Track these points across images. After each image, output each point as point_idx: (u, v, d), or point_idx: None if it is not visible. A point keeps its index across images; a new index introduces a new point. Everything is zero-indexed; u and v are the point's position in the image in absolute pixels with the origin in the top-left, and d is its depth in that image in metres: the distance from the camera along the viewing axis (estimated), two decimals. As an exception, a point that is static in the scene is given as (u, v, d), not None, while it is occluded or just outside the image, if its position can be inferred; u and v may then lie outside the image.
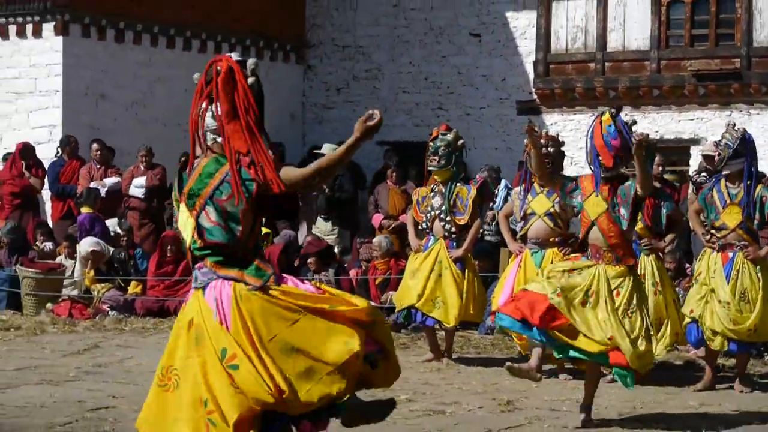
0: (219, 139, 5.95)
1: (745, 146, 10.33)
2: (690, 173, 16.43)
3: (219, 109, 5.89)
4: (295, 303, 5.80)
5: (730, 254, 10.37)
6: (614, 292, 8.66)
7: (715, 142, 10.90)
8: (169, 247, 15.73)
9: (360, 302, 5.87)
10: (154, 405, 5.85)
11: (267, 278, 5.83)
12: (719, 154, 10.46)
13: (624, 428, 8.77)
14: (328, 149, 17.64)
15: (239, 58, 5.98)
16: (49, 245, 16.52)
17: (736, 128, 10.45)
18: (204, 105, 5.98)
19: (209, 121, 5.96)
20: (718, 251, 10.45)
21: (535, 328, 8.55)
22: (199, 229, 5.86)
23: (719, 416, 9.35)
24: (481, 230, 12.88)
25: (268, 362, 5.69)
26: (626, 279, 8.72)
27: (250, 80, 5.93)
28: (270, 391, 5.66)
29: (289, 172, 5.88)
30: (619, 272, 8.74)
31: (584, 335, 8.54)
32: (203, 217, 5.86)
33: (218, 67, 5.92)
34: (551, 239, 11.32)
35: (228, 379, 5.68)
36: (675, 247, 12.61)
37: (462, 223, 11.98)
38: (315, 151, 18.13)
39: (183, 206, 5.93)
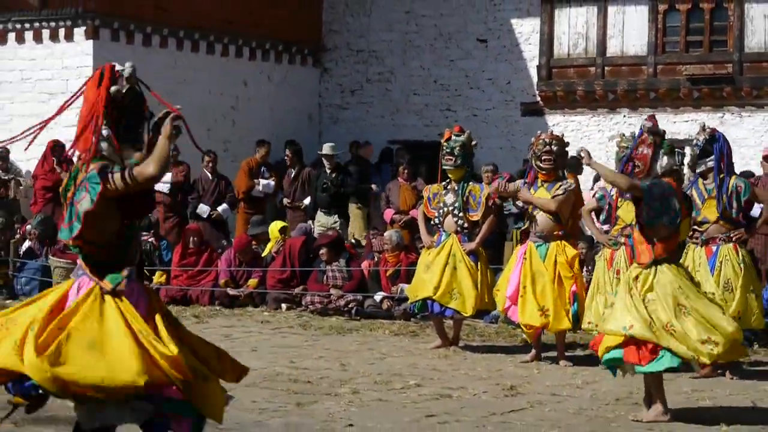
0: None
1: (713, 144, 10.44)
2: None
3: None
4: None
5: (714, 248, 10.53)
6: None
7: (690, 142, 11.01)
8: (192, 239, 15.77)
9: (173, 350, 5.73)
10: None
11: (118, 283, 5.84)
12: (691, 155, 10.58)
13: (618, 411, 8.76)
14: (327, 149, 17.64)
15: (121, 67, 5.96)
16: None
17: (705, 129, 10.56)
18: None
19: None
20: (701, 246, 10.55)
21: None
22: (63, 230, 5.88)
23: (710, 401, 9.35)
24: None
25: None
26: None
27: (113, 88, 5.90)
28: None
29: (140, 168, 5.81)
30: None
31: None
32: (66, 220, 5.86)
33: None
34: (555, 233, 11.31)
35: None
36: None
37: (475, 219, 12.00)
38: (319, 152, 18.16)
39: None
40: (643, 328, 8.19)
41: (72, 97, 6.03)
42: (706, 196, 10.48)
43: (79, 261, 5.94)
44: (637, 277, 8.42)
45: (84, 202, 5.78)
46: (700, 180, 10.56)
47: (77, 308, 5.77)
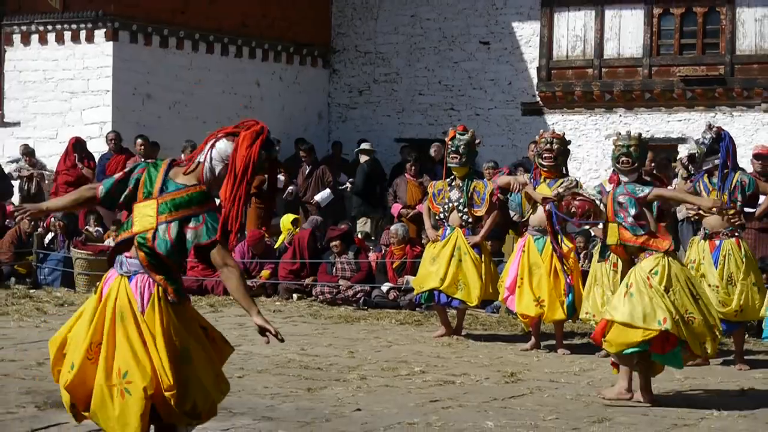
0: (208, 167, 5.89)
1: (719, 143, 10.37)
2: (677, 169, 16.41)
3: (228, 150, 5.84)
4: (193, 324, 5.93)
5: (717, 242, 10.45)
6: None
7: (696, 140, 10.95)
8: (207, 232, 15.79)
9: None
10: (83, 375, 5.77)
11: (182, 298, 5.87)
12: (698, 153, 10.54)
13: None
14: (366, 145, 17.81)
15: (275, 138, 5.89)
16: (100, 230, 16.61)
17: (712, 128, 10.51)
18: (221, 135, 5.92)
19: (216, 152, 5.87)
20: (705, 239, 10.51)
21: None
22: (154, 233, 5.77)
23: (702, 388, 9.37)
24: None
25: (169, 364, 5.70)
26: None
27: (263, 153, 5.82)
28: (168, 386, 5.65)
29: (218, 252, 5.78)
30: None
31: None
32: (164, 228, 5.77)
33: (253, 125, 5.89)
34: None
35: (149, 361, 5.68)
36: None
37: (479, 214, 12.01)
38: (358, 150, 18.29)
39: (154, 203, 5.82)
40: (672, 322, 8.23)
41: (222, 133, 5.94)
42: (711, 189, 10.41)
43: (143, 264, 5.80)
44: (651, 270, 8.40)
45: (199, 233, 5.73)
46: (706, 176, 10.49)
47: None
